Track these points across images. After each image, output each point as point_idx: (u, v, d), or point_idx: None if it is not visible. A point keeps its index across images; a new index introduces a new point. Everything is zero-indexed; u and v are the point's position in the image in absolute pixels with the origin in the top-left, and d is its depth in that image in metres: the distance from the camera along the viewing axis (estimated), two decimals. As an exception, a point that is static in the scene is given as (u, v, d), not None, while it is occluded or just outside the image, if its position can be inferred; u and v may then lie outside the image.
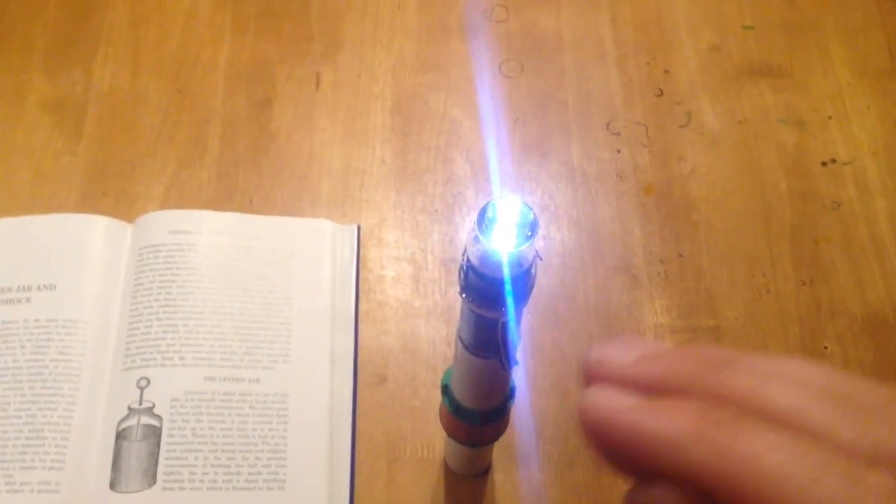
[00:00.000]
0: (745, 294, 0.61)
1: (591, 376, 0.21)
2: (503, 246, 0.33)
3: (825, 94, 0.69)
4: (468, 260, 0.34)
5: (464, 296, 0.35)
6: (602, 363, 0.21)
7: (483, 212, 0.33)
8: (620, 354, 0.21)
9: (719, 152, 0.67)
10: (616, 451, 0.20)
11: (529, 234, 0.33)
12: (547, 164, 0.66)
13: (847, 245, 0.63)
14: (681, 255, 0.62)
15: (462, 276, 0.35)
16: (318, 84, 0.68)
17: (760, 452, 0.17)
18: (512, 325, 0.37)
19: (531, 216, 0.33)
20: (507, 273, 0.33)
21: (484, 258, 0.33)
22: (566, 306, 0.60)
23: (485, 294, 0.34)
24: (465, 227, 0.63)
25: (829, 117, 0.68)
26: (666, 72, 0.70)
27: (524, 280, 0.34)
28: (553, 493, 0.55)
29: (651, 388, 0.20)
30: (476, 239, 0.33)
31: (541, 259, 0.35)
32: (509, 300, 0.34)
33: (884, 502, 0.16)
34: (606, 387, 0.20)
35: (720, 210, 0.64)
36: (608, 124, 0.68)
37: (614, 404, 0.20)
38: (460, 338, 0.40)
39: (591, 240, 0.63)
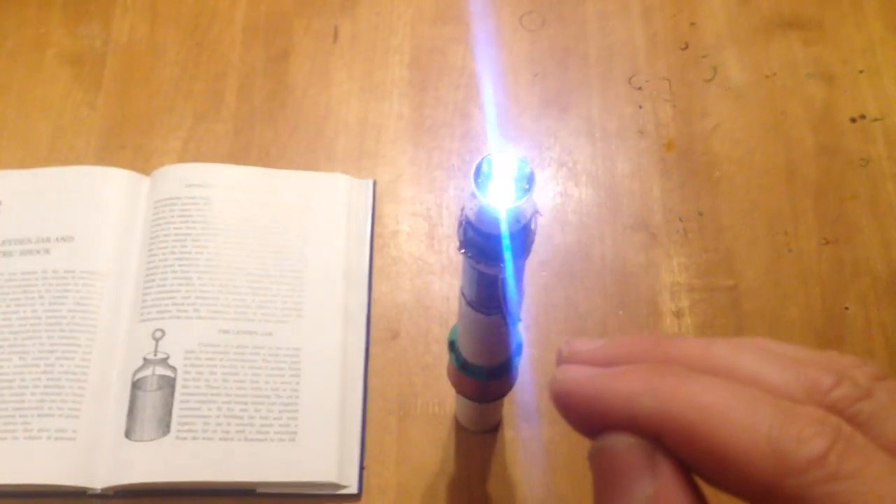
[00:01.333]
0: (766, 253, 0.60)
1: (560, 362, 0.23)
2: (501, 201, 0.32)
3: (857, 47, 0.67)
4: (466, 216, 0.34)
5: (463, 252, 0.35)
6: (571, 352, 0.23)
7: (479, 167, 0.32)
8: (588, 344, 0.23)
9: (744, 108, 0.65)
10: (581, 414, 0.22)
11: (527, 188, 0.32)
12: (566, 120, 0.65)
13: (874, 204, 0.61)
14: (701, 213, 0.61)
15: (461, 232, 0.35)
16: (335, 37, 0.68)
17: (700, 393, 0.19)
18: (512, 281, 0.37)
19: (528, 170, 0.32)
20: (504, 229, 0.33)
21: (481, 214, 0.33)
22: (582, 265, 0.60)
23: (483, 250, 0.34)
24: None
25: (861, 72, 0.66)
26: (692, 24, 0.68)
27: (523, 235, 0.34)
28: (563, 450, 0.54)
29: (611, 363, 0.22)
30: (473, 195, 0.33)
31: (540, 214, 0.34)
32: (508, 256, 0.34)
33: (814, 426, 0.18)
34: (573, 365, 0.23)
35: (743, 167, 0.63)
36: (630, 79, 0.66)
37: (579, 375, 0.22)
38: (463, 294, 0.39)
39: (609, 197, 0.62)
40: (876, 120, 0.64)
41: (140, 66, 0.66)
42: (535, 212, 0.34)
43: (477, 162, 0.32)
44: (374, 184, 0.62)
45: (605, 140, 0.64)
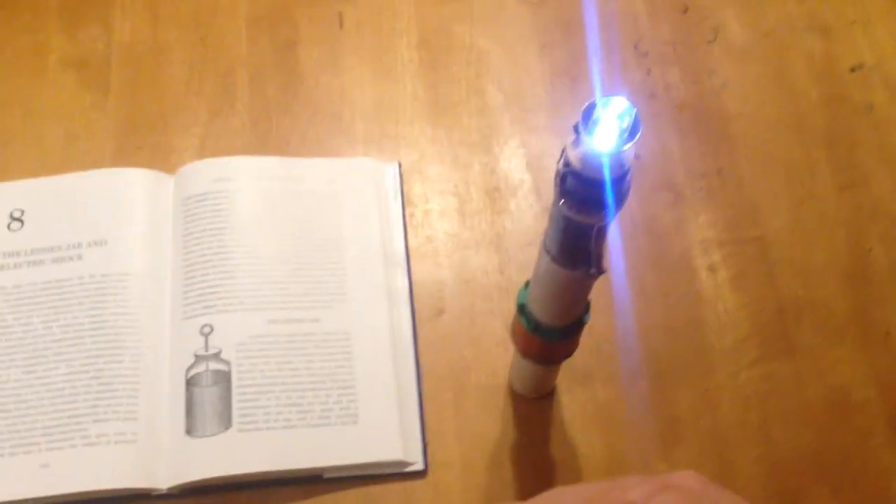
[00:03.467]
0: (787, 202, 0.62)
1: None
2: (606, 146, 0.33)
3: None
4: (567, 163, 0.34)
5: (562, 202, 0.35)
6: None
7: (588, 111, 0.33)
8: None
9: (748, 65, 0.67)
10: None
11: (632, 133, 0.33)
12: (578, 90, 0.66)
13: (882, 147, 0.64)
14: (720, 170, 0.63)
15: (560, 181, 0.35)
16: (341, 23, 0.68)
17: None
18: (604, 233, 0.37)
19: (634, 112, 0.33)
20: (608, 175, 0.33)
21: (586, 160, 0.33)
22: (614, 226, 0.61)
23: (585, 198, 0.35)
24: (504, 155, 0.63)
25: (853, 22, 0.68)
26: (688, -11, 0.70)
27: (623, 182, 0.34)
28: (618, 409, 0.55)
29: None
30: (578, 141, 0.33)
31: (639, 158, 0.35)
32: (610, 203, 0.35)
33: None
34: None
35: (755, 122, 0.65)
36: (636, 45, 0.67)
37: None
38: (547, 250, 0.40)
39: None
40: (873, 68, 0.66)
41: (146, 65, 0.65)
42: (636, 157, 0.35)
43: (586, 106, 0.33)
44: (400, 165, 0.62)
45: (620, 106, 0.65)
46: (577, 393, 0.56)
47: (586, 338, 0.57)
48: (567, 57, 0.67)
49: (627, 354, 0.57)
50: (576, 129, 0.33)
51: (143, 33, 0.66)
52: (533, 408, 0.56)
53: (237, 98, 0.64)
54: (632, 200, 0.60)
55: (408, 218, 0.61)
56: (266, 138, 0.63)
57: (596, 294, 0.58)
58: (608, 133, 0.33)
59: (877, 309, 0.59)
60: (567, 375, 0.56)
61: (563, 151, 0.34)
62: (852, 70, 0.66)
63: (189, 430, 0.51)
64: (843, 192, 0.62)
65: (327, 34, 0.67)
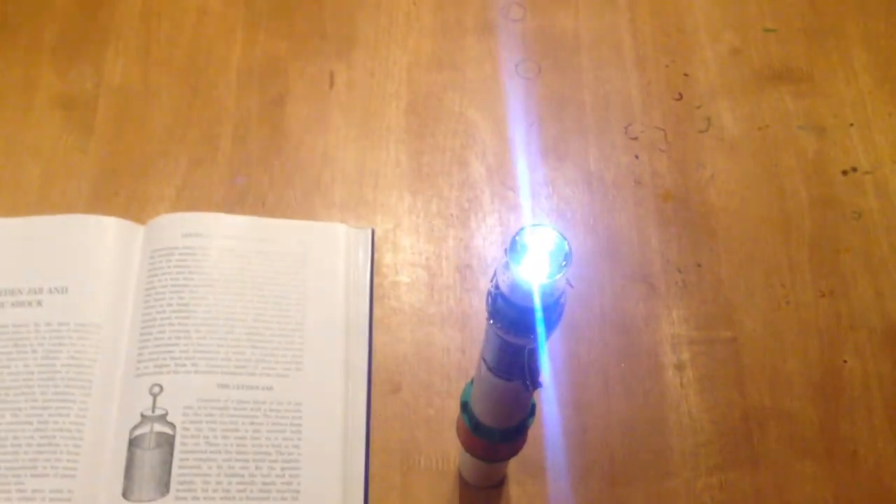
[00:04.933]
0: (764, 305, 0.61)
1: None
2: (535, 276, 0.32)
3: (846, 100, 0.68)
4: (497, 287, 0.33)
5: (491, 322, 0.35)
6: None
7: (514, 240, 0.32)
8: None
9: (739, 159, 0.66)
10: None
11: (564, 264, 0.32)
12: (563, 169, 0.65)
13: (867, 256, 0.62)
14: (699, 265, 0.62)
15: (490, 302, 0.34)
16: (331, 83, 0.67)
17: None
18: (537, 352, 0.37)
19: (566, 247, 0.32)
20: (538, 303, 0.33)
21: (514, 287, 0.33)
22: (582, 316, 0.60)
23: (514, 322, 0.34)
24: (480, 232, 0.62)
25: (851, 124, 0.67)
26: (685, 75, 0.69)
27: (555, 309, 0.34)
28: (568, 506, 0.54)
29: None
30: (506, 266, 0.32)
31: (572, 287, 0.34)
32: (539, 328, 0.34)
33: None
34: None
35: (739, 218, 0.63)
36: (626, 128, 0.67)
37: None
38: (484, 360, 0.39)
39: (607, 247, 0.62)
40: (867, 173, 0.65)
41: (133, 110, 0.65)
42: (568, 285, 0.34)
43: (513, 234, 0.32)
44: (373, 232, 0.62)
45: (603, 190, 0.64)
46: (527, 485, 0.55)
47: (540, 429, 0.56)
48: (555, 135, 0.66)
49: (582, 449, 0.56)
50: (506, 253, 0.33)
51: (133, 76, 0.66)
52: (481, 497, 0.54)
53: (219, 150, 0.64)
54: (603, 289, 0.60)
55: (375, 288, 0.60)
56: (243, 195, 0.63)
57: (556, 383, 0.58)
58: (537, 262, 0.32)
59: (846, 425, 0.57)
60: (519, 466, 0.55)
61: (494, 273, 0.34)
62: (844, 173, 0.65)
63: (126, 493, 0.51)
64: (822, 298, 0.61)
65: (317, 92, 0.67)
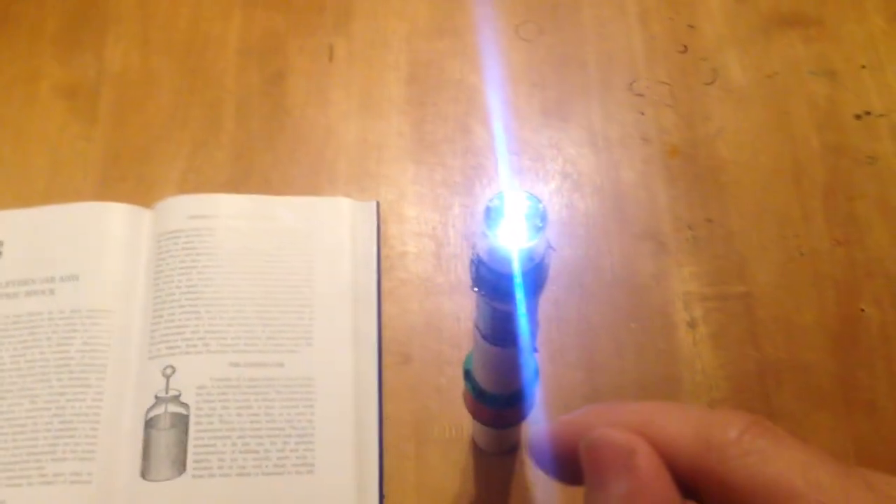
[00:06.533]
0: (778, 257, 0.59)
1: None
2: (512, 241, 0.32)
3: (858, 42, 0.66)
4: (478, 255, 0.33)
5: (475, 290, 0.34)
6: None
7: (489, 207, 0.31)
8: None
9: (747, 109, 0.64)
10: (557, 455, 0.25)
11: (540, 226, 0.32)
12: (568, 129, 0.64)
13: (883, 201, 0.61)
14: (709, 220, 0.61)
15: (473, 270, 0.34)
16: (331, 56, 0.67)
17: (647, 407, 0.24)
18: (526, 317, 0.36)
19: (540, 207, 0.31)
20: (517, 268, 0.32)
21: (493, 254, 0.32)
22: (592, 277, 0.59)
23: (497, 288, 0.33)
24: (486, 198, 0.62)
25: (863, 67, 0.65)
26: (690, 26, 0.67)
27: (536, 273, 0.33)
28: (583, 468, 0.54)
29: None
30: (484, 234, 0.32)
31: (553, 250, 0.33)
32: (521, 294, 0.33)
33: (730, 417, 0.23)
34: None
35: (749, 170, 0.62)
36: (631, 85, 0.65)
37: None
38: (477, 327, 0.39)
39: (615, 207, 0.61)
40: (881, 116, 0.63)
41: (135, 95, 0.66)
42: (549, 248, 0.33)
43: (487, 201, 0.32)
44: (378, 205, 0.61)
45: (609, 149, 0.63)
46: (541, 450, 0.54)
47: (554, 392, 0.56)
48: (558, 96, 0.65)
49: (596, 412, 0.55)
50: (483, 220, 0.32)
51: (133, 62, 0.67)
52: (495, 463, 0.54)
53: (222, 130, 0.64)
54: (612, 249, 0.59)
55: (382, 259, 0.60)
56: (248, 173, 0.63)
57: (566, 346, 0.57)
58: (515, 226, 0.31)
59: (864, 375, 0.56)
60: (532, 430, 0.55)
61: (474, 242, 0.33)
62: (857, 117, 0.63)
63: (143, 474, 0.52)
64: (837, 247, 0.60)
65: (317, 66, 0.67)
